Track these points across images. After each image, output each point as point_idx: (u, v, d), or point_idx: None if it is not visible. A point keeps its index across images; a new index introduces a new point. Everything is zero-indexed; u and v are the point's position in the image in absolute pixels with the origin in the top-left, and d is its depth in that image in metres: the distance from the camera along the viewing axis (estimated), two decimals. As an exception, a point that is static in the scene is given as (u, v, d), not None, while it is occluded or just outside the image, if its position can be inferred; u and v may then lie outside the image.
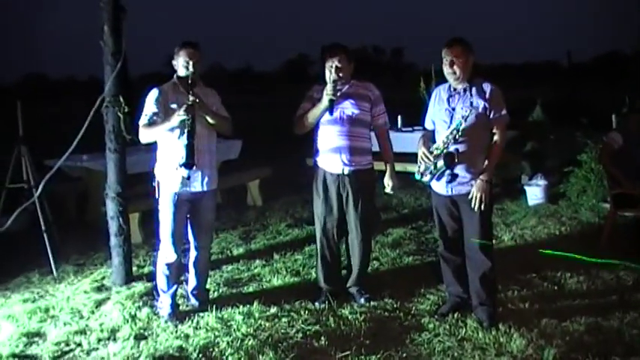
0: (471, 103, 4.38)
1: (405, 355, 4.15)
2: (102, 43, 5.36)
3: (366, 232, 5.01)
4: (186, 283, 5.17)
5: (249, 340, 4.39)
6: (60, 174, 7.39)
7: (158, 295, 4.98)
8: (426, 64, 7.66)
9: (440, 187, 4.58)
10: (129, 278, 5.66)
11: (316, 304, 4.99)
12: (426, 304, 4.97)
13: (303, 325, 4.61)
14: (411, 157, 4.62)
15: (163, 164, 4.72)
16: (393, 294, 5.16)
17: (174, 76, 4.76)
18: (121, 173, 5.54)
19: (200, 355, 4.21)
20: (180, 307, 5.02)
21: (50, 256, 5.99)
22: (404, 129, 9.57)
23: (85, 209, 8.16)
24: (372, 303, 4.99)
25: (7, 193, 6.39)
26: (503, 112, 4.44)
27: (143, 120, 4.68)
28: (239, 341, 4.38)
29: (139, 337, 4.53)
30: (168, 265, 4.79)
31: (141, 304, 5.11)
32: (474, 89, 4.42)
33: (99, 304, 5.19)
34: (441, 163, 4.41)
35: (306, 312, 4.85)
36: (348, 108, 4.83)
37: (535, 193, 8.46)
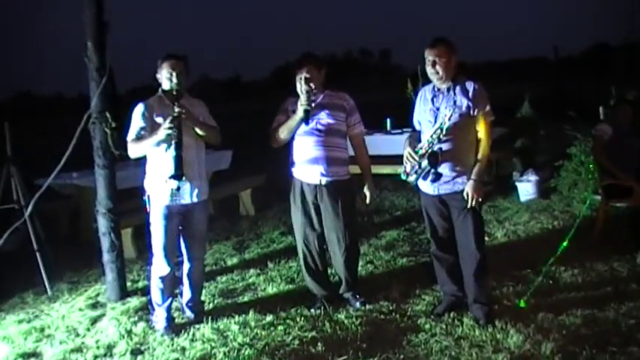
0: (455, 102, 4.39)
1: (402, 356, 4.15)
2: (86, 59, 5.34)
3: (349, 241, 4.97)
4: (181, 296, 5.15)
5: (246, 349, 4.38)
6: (51, 192, 7.38)
7: (153, 309, 4.97)
8: (414, 66, 7.64)
9: (427, 186, 4.59)
10: (123, 294, 5.63)
11: (312, 310, 4.99)
12: (421, 305, 4.97)
13: (299, 332, 4.60)
14: (401, 160, 4.62)
15: (153, 177, 4.71)
16: (388, 296, 5.16)
17: (159, 89, 4.76)
18: (111, 189, 5.52)
19: (197, 367, 4.20)
20: (176, 320, 5.00)
21: (44, 275, 5.97)
22: (393, 131, 9.57)
23: (78, 227, 8.13)
24: (367, 306, 4.99)
25: (-2, 214, 6.36)
26: (487, 108, 4.45)
27: (131, 135, 4.67)
28: (236, 351, 4.37)
29: (136, 352, 4.52)
30: (162, 279, 4.78)
31: (136, 319, 5.10)
32: (457, 88, 4.43)
33: (94, 321, 5.17)
34: (425, 162, 4.41)
35: (302, 318, 4.85)
36: (323, 118, 4.83)
37: (527, 188, 8.49)
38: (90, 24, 5.32)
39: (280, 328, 4.71)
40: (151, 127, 4.61)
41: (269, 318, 4.90)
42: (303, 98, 4.70)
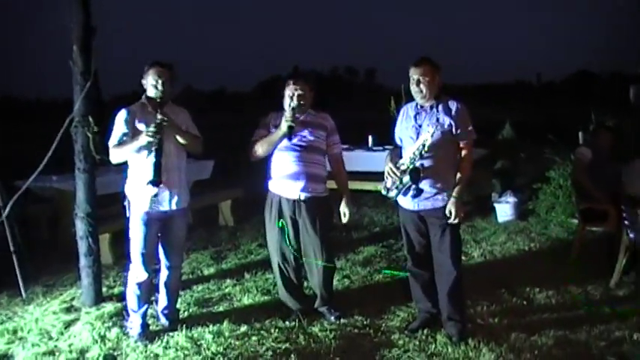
0: (437, 119, 4.44)
1: (375, 371, 4.17)
2: (71, 62, 5.34)
3: (326, 256, 4.98)
4: (157, 303, 5.14)
5: (219, 358, 4.38)
6: (31, 195, 7.33)
7: (128, 315, 4.95)
8: (398, 86, 7.73)
9: (407, 202, 4.62)
10: (99, 299, 5.60)
11: (286, 322, 4.99)
12: (396, 321, 4.99)
13: (273, 344, 4.61)
14: (382, 176, 4.66)
15: (133, 183, 4.71)
16: (363, 311, 5.17)
17: (143, 96, 4.77)
18: (91, 193, 5.50)
19: (170, 375, 4.19)
20: (151, 327, 4.98)
21: (19, 277, 5.92)
22: (375, 148, 9.63)
23: (57, 230, 8.08)
24: (342, 320, 5.01)
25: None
26: (470, 128, 4.50)
27: (113, 141, 4.67)
28: (209, 360, 4.36)
29: (109, 358, 4.50)
30: (139, 285, 4.76)
31: (110, 324, 5.07)
32: (440, 106, 4.48)
33: (68, 325, 5.14)
34: (407, 178, 4.45)
35: (277, 330, 4.85)
36: (305, 136, 4.87)
37: (505, 210, 8.56)
38: (76, 28, 5.32)
39: (254, 338, 4.72)
40: (133, 133, 4.62)
41: (243, 328, 4.90)
42: (288, 114, 4.73)
